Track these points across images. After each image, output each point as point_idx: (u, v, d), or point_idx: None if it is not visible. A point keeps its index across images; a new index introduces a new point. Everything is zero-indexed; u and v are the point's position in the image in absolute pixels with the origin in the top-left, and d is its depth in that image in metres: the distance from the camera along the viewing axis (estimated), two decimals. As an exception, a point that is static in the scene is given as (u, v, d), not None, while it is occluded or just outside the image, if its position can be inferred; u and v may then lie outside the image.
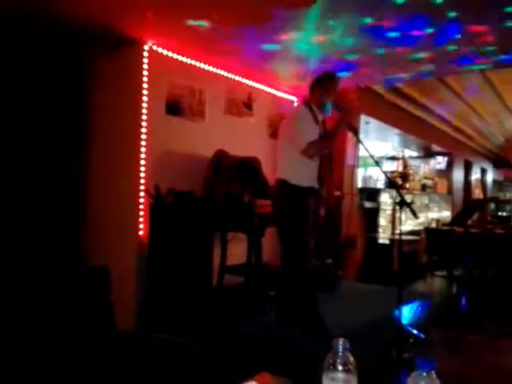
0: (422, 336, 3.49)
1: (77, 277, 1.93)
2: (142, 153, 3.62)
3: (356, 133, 3.04)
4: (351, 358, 1.04)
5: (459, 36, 3.45)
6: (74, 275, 1.95)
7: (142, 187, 3.60)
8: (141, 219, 3.60)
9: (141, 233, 3.60)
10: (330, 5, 2.93)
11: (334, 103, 3.01)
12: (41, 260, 3.44)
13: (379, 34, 3.44)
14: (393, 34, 3.45)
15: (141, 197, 3.60)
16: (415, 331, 3.45)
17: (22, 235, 3.51)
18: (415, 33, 3.41)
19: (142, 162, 3.62)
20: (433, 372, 0.98)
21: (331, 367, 1.04)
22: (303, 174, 2.94)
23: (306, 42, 3.59)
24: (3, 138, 3.49)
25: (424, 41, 3.56)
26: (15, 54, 3.55)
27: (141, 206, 3.60)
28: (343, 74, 4.27)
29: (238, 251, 4.02)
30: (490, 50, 3.77)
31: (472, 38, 3.52)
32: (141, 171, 3.61)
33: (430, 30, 3.36)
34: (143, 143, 3.63)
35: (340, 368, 1.03)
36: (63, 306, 1.80)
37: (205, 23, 3.23)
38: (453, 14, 3.05)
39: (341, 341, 1.04)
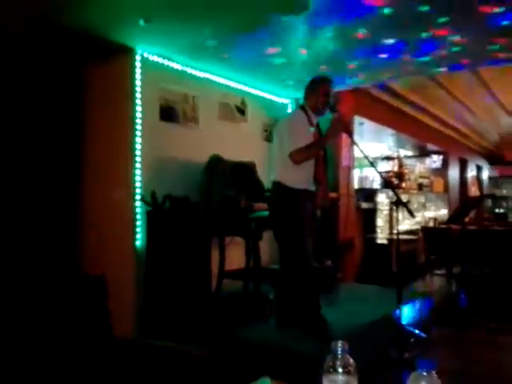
0: (423, 335, 3.49)
1: (74, 285, 1.92)
2: (137, 160, 3.61)
3: (350, 134, 3.05)
4: (351, 360, 1.04)
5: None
6: (72, 283, 1.95)
7: (137, 194, 3.59)
8: (138, 226, 3.59)
9: (138, 239, 3.59)
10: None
11: (329, 106, 3.01)
12: (38, 268, 3.42)
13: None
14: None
15: (137, 204, 3.59)
16: (416, 331, 3.45)
17: (20, 243, 3.49)
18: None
19: (138, 169, 3.62)
20: (433, 371, 0.98)
21: (331, 370, 1.03)
22: (298, 176, 2.93)
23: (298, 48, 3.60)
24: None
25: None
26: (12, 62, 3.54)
27: (137, 213, 3.59)
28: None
29: (236, 255, 4.01)
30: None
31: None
32: (136, 178, 3.60)
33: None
34: (138, 150, 3.62)
35: (340, 370, 1.02)
36: (60, 313, 1.79)
37: (199, 30, 3.23)
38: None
39: (339, 343, 1.04)
